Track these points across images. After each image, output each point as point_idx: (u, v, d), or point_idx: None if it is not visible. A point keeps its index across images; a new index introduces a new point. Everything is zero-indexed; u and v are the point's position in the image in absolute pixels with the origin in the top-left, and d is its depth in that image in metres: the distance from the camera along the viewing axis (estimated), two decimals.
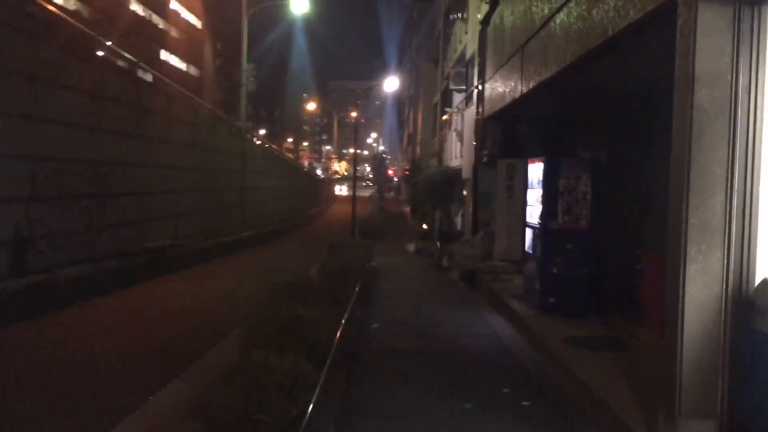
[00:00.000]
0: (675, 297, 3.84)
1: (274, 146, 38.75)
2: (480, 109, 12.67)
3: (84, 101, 10.84)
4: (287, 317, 5.21)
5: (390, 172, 47.89)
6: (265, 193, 26.42)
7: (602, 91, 7.42)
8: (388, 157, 47.93)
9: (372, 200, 37.49)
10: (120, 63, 13.50)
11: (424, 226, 21.90)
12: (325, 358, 4.96)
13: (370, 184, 51.99)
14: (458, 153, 17.13)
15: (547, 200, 7.84)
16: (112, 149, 11.95)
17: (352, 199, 17.46)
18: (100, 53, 12.34)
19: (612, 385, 5.01)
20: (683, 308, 3.79)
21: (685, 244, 3.78)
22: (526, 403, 5.03)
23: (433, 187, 16.82)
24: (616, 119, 8.07)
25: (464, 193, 16.02)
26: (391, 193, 45.22)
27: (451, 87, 17.55)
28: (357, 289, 8.77)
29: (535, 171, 8.30)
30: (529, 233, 8.61)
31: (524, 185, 11.41)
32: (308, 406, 3.83)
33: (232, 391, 4.02)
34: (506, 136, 12.43)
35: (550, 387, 5.52)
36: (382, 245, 22.07)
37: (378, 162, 35.57)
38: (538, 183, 8.12)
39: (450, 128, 19.19)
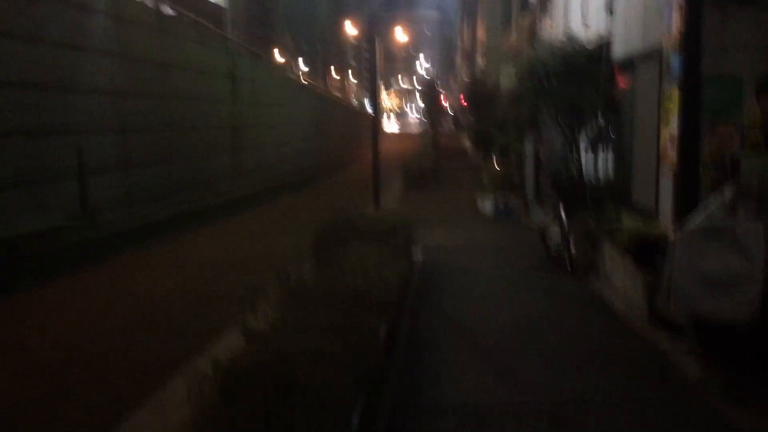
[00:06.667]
0: None
1: (295, 73, 30.62)
2: None
3: None
4: None
5: (443, 101, 38.50)
6: (278, 132, 18.48)
7: None
8: (439, 82, 38.18)
9: (423, 136, 28.63)
10: None
11: (498, 169, 13.57)
12: None
13: (422, 118, 43.16)
14: (586, 14, 8.43)
15: None
16: None
17: (372, 139, 9.36)
18: None
19: None
20: None
21: None
22: None
23: (529, 90, 8.05)
24: None
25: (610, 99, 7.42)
26: (446, 127, 35.81)
27: None
28: None
29: None
30: None
31: None
32: None
33: None
34: None
35: None
36: (437, 200, 14.52)
37: (428, 88, 26.37)
38: None
39: None
